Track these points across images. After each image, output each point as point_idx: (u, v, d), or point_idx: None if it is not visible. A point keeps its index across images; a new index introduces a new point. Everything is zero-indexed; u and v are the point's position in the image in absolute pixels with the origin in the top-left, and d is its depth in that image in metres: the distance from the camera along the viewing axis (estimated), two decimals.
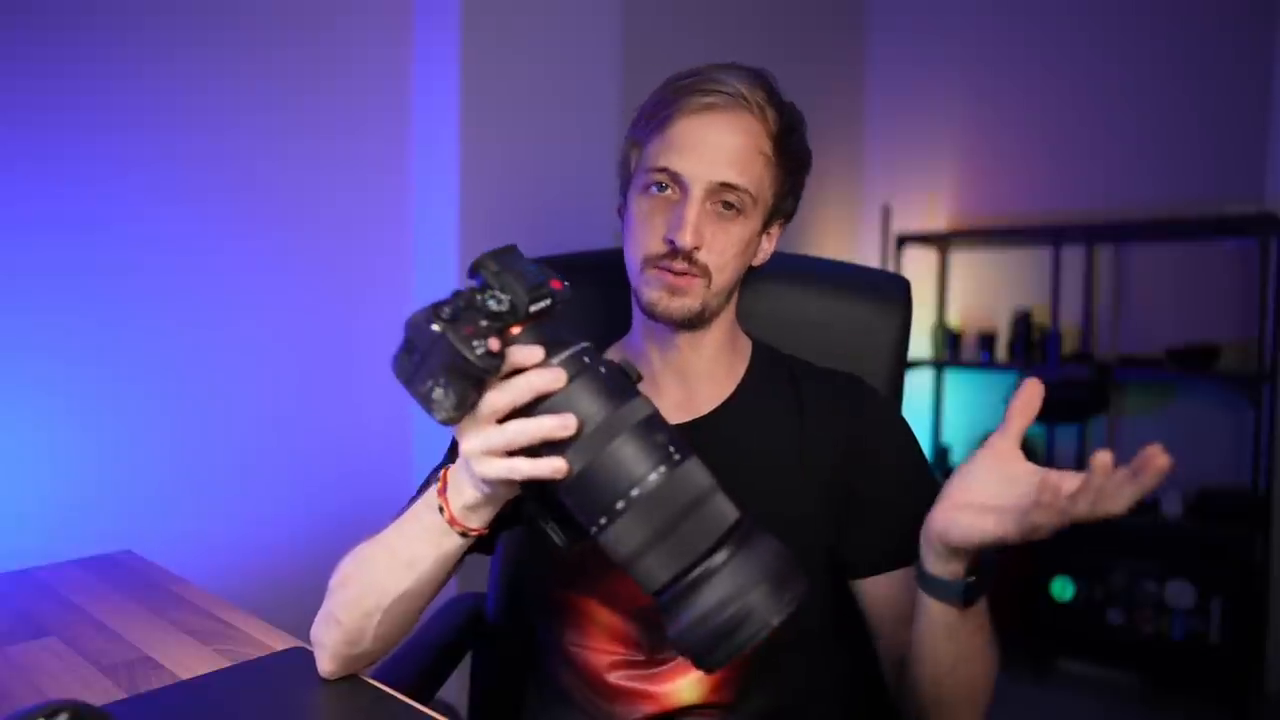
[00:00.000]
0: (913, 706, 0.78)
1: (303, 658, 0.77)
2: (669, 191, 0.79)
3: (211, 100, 1.35)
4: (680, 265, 0.78)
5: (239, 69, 1.39)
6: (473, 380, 0.55)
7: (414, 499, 0.85)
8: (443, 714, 0.69)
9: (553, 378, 0.56)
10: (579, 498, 0.56)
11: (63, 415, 1.21)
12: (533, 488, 0.59)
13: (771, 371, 0.89)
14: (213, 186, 1.36)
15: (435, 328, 0.53)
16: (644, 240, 0.80)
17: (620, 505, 0.54)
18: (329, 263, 1.52)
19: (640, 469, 0.54)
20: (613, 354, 0.92)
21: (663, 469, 0.54)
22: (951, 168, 3.21)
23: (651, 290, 0.80)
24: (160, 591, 0.97)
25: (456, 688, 1.30)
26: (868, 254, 3.33)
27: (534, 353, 0.56)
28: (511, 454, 0.57)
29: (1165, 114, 2.78)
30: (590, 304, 1.07)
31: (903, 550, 0.80)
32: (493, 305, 0.56)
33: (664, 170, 0.79)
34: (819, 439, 0.83)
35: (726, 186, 0.78)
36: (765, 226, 0.85)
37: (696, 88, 0.79)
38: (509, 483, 0.59)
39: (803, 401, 0.85)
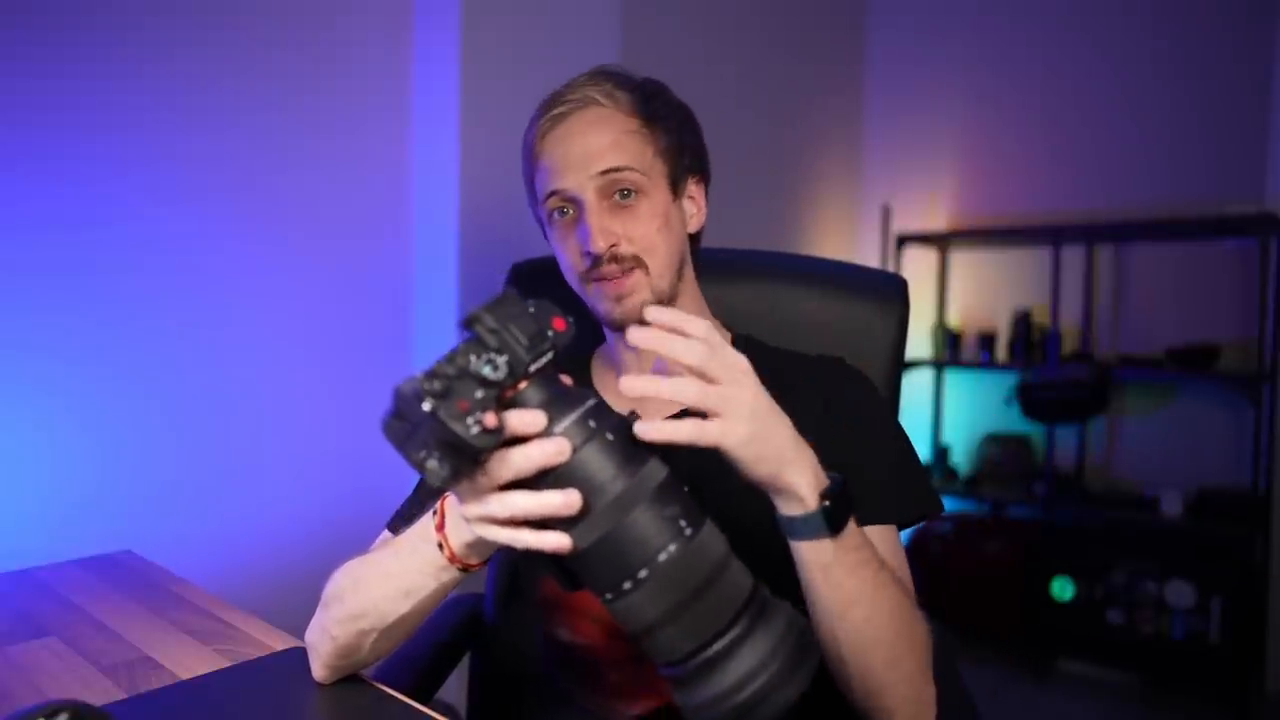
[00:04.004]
0: (833, 674, 0.70)
1: (303, 658, 0.77)
2: (569, 214, 0.81)
3: (211, 100, 1.36)
4: (611, 269, 0.79)
5: (239, 69, 1.39)
6: (468, 456, 0.51)
7: (403, 508, 0.85)
8: (443, 714, 0.69)
9: (555, 450, 0.52)
10: (586, 571, 0.54)
11: (63, 415, 1.21)
12: None
13: (752, 360, 0.88)
14: (213, 186, 1.37)
15: (426, 407, 0.48)
16: (570, 263, 0.82)
17: (628, 585, 0.52)
18: (329, 263, 1.52)
19: (652, 546, 0.51)
20: (598, 360, 0.92)
21: (674, 547, 0.52)
22: (951, 168, 3.21)
23: (600, 304, 0.81)
24: (160, 591, 0.97)
25: (456, 688, 1.30)
26: (868, 254, 3.33)
27: (535, 420, 0.52)
28: (515, 522, 0.54)
29: (1165, 114, 2.78)
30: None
31: (871, 510, 0.75)
32: (488, 372, 0.51)
33: (551, 194, 0.81)
34: (799, 422, 0.83)
35: (610, 174, 0.78)
36: (676, 192, 0.84)
37: (544, 109, 0.83)
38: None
39: (784, 388, 0.85)
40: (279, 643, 0.83)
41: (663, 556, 0.51)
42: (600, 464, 0.52)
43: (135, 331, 1.28)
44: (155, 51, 1.29)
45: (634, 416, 0.56)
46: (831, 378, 0.86)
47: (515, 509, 0.53)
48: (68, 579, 1.00)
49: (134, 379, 1.28)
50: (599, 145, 0.79)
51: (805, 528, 0.62)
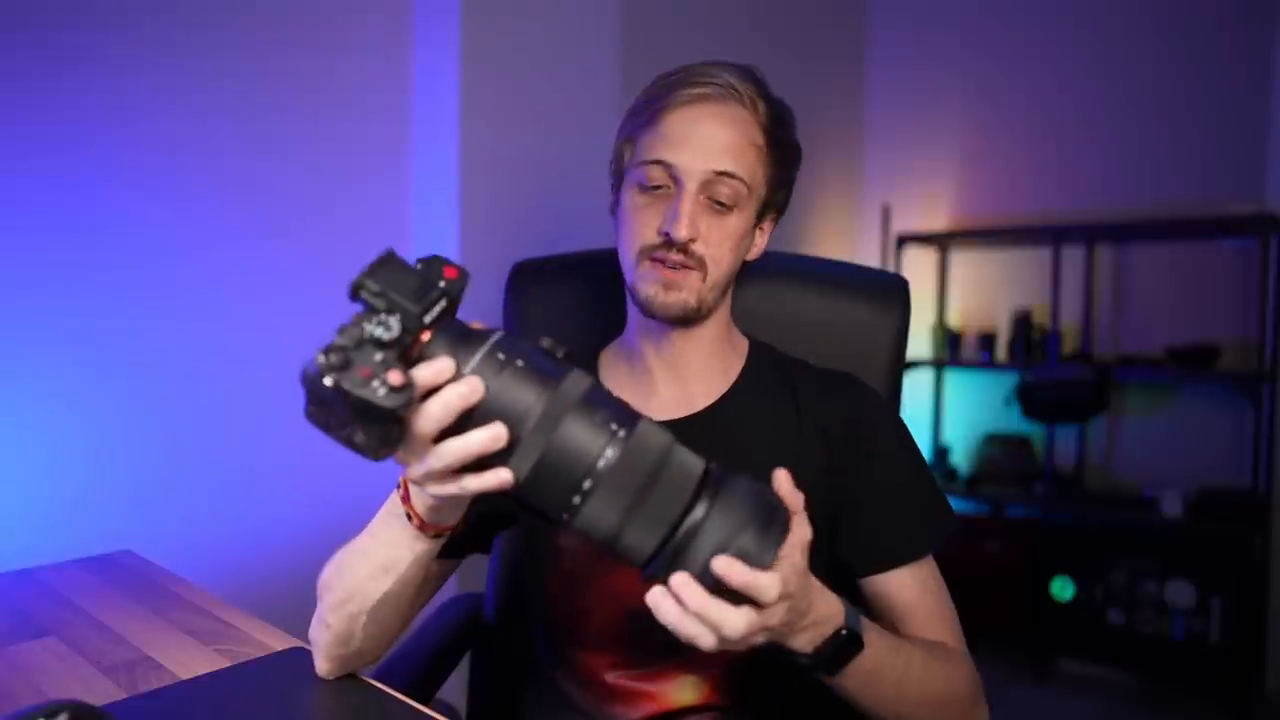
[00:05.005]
0: None
1: (303, 658, 0.77)
2: (663, 188, 0.79)
3: (211, 99, 1.35)
4: (676, 257, 0.78)
5: (239, 68, 1.39)
6: (388, 420, 0.51)
7: None
8: (443, 714, 0.69)
9: (468, 389, 0.52)
10: (538, 496, 0.54)
11: (62, 415, 1.21)
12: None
13: (767, 370, 0.89)
14: (213, 186, 1.36)
15: (328, 382, 0.48)
16: (638, 233, 0.80)
17: (577, 500, 0.52)
18: (329, 262, 1.52)
19: (592, 450, 0.52)
20: (608, 355, 0.92)
21: (613, 445, 0.52)
22: (951, 168, 3.22)
23: (647, 285, 0.80)
24: (160, 591, 0.97)
25: (456, 688, 1.30)
26: (868, 254, 3.33)
27: (443, 368, 0.52)
28: (457, 471, 0.55)
29: (1165, 114, 2.78)
30: (587, 304, 1.07)
31: (901, 547, 0.81)
32: (381, 334, 0.51)
33: (658, 163, 0.79)
34: (814, 437, 0.83)
35: (721, 176, 0.78)
36: (758, 220, 0.85)
37: (687, 80, 0.80)
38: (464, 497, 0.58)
39: (798, 400, 0.85)
40: (279, 643, 0.83)
41: (602, 462, 0.52)
42: (518, 391, 0.53)
43: (135, 331, 1.28)
44: (155, 50, 1.29)
45: (549, 340, 0.56)
46: (851, 397, 0.86)
47: (449, 457, 0.53)
48: (68, 579, 0.99)
49: (134, 378, 1.28)
50: (726, 143, 0.78)
51: (801, 666, 0.65)
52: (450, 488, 0.55)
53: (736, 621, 0.53)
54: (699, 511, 0.53)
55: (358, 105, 1.56)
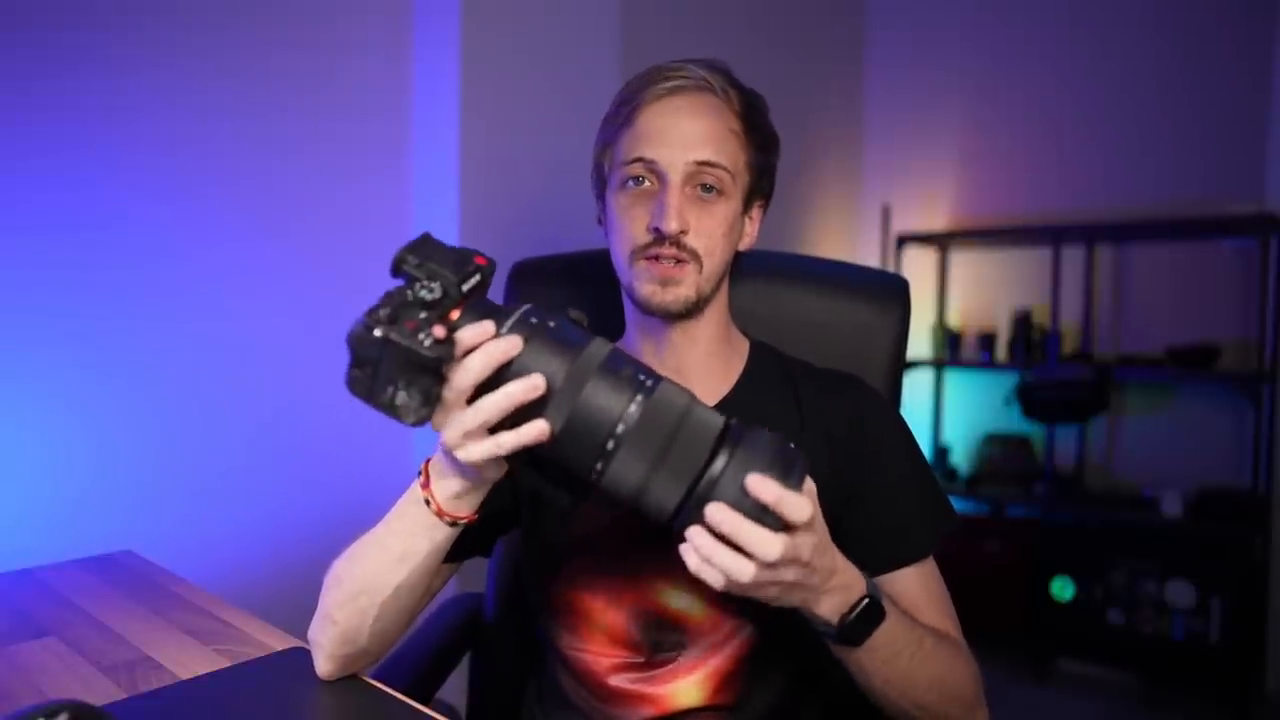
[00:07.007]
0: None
1: (303, 658, 0.77)
2: (647, 183, 0.80)
3: (211, 99, 1.35)
4: (669, 251, 0.78)
5: (239, 68, 1.39)
6: (431, 373, 0.55)
7: None
8: (443, 714, 0.69)
9: (508, 345, 0.56)
10: (569, 451, 0.57)
11: (62, 415, 1.21)
12: (522, 457, 0.59)
13: (769, 371, 0.89)
14: (212, 185, 1.36)
15: (378, 334, 0.53)
16: (628, 233, 0.80)
17: (610, 445, 0.55)
18: (328, 262, 1.52)
19: (618, 405, 0.55)
20: None
21: (639, 399, 0.55)
22: (951, 168, 3.22)
23: (644, 284, 0.80)
24: (160, 591, 0.97)
25: (456, 688, 1.30)
26: (868, 254, 3.34)
27: (483, 328, 0.56)
28: (492, 431, 0.57)
29: (1165, 114, 2.78)
30: (588, 304, 1.07)
31: (906, 548, 0.81)
32: (426, 295, 0.56)
33: (639, 160, 0.79)
34: (817, 437, 0.83)
35: (704, 165, 0.78)
36: (746, 208, 0.85)
37: (658, 77, 0.81)
38: (496, 462, 0.59)
39: (800, 401, 0.85)
40: (279, 643, 0.83)
41: (632, 409, 0.55)
42: (549, 351, 0.57)
43: (135, 331, 1.28)
44: (155, 50, 1.29)
45: (575, 311, 0.61)
46: (854, 398, 0.86)
47: (487, 411, 0.56)
48: (68, 579, 0.99)
49: (134, 378, 1.28)
50: (704, 133, 0.79)
51: (825, 636, 0.66)
52: (486, 445, 0.57)
53: (771, 543, 0.54)
54: (720, 463, 0.55)
55: (358, 105, 1.56)
